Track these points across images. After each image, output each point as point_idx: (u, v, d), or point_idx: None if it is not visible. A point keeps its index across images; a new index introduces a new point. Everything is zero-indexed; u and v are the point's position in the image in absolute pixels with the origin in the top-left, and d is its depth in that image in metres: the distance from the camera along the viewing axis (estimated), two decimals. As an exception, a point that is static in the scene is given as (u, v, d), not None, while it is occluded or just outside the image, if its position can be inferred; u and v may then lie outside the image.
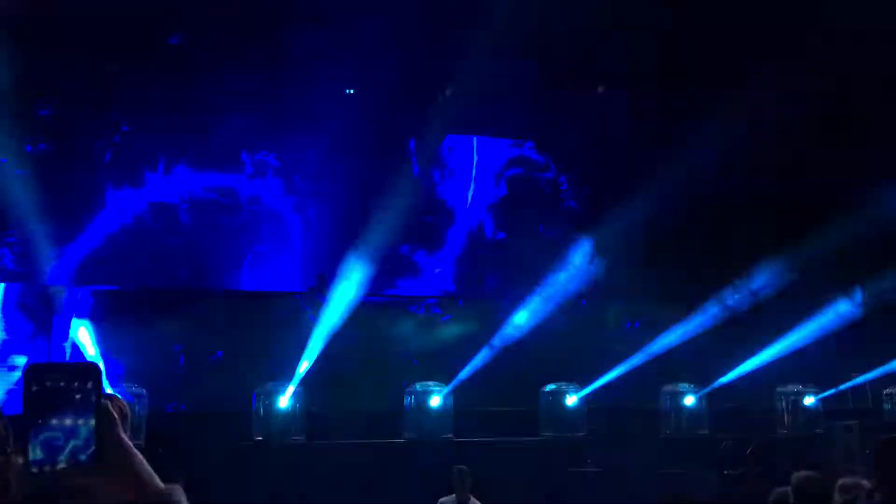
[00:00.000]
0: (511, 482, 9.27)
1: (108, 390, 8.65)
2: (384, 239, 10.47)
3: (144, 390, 9.22)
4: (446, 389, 10.42)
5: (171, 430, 9.01)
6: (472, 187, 12.18)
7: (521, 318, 10.90)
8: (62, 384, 1.33)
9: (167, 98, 10.73)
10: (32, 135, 10.56)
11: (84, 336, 9.81)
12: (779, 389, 11.07)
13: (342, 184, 11.44)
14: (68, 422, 1.33)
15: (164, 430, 8.86)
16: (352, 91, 10.93)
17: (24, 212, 10.07)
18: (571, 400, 10.75)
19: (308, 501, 8.85)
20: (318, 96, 11.01)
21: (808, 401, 10.97)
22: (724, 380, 10.79)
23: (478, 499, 8.16)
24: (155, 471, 1.59)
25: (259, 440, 9.76)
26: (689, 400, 10.95)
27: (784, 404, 11.03)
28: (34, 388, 1.32)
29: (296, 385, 9.99)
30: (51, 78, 10.42)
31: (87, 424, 1.33)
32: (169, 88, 10.63)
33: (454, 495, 8.10)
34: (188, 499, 1.70)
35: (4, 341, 9.99)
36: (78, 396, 1.34)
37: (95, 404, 1.33)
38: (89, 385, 1.34)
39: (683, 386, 11.05)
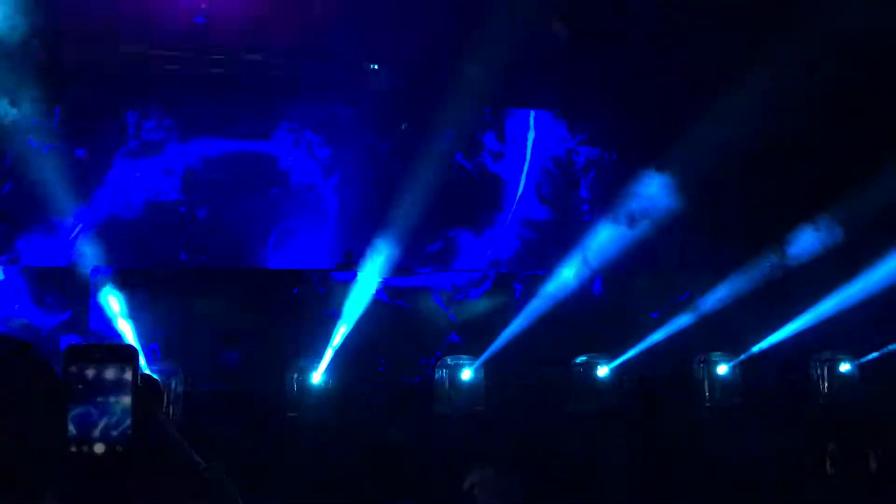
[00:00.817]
0: (542, 454, 9.30)
1: (144, 370, 8.78)
2: (417, 215, 10.43)
3: (179, 369, 9.33)
4: (477, 363, 10.44)
5: (206, 408, 9.13)
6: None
7: (553, 291, 10.84)
8: (100, 365, 1.36)
9: (193, 76, 10.71)
10: (61, 113, 10.61)
11: (117, 316, 9.93)
12: (814, 356, 10.92)
13: (372, 158, 11.40)
14: (105, 401, 1.35)
15: (200, 409, 8.99)
16: (376, 66, 10.84)
17: (52, 193, 10.16)
18: (602, 371, 10.72)
19: (341, 475, 8.95)
20: (347, 70, 10.91)
21: (845, 367, 10.82)
22: (758, 347, 10.67)
23: (510, 472, 8.19)
24: (195, 449, 1.60)
25: (293, 416, 9.85)
26: (723, 369, 10.86)
27: (819, 371, 10.88)
28: (73, 369, 1.35)
29: (328, 361, 10.06)
30: (77, 58, 10.43)
31: (123, 404, 1.35)
32: (195, 65, 10.60)
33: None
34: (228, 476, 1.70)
35: (40, 324, 10.14)
36: (115, 377, 1.36)
37: (132, 385, 1.36)
38: (126, 366, 1.37)
39: (717, 355, 10.95)
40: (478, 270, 11.54)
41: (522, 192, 12.13)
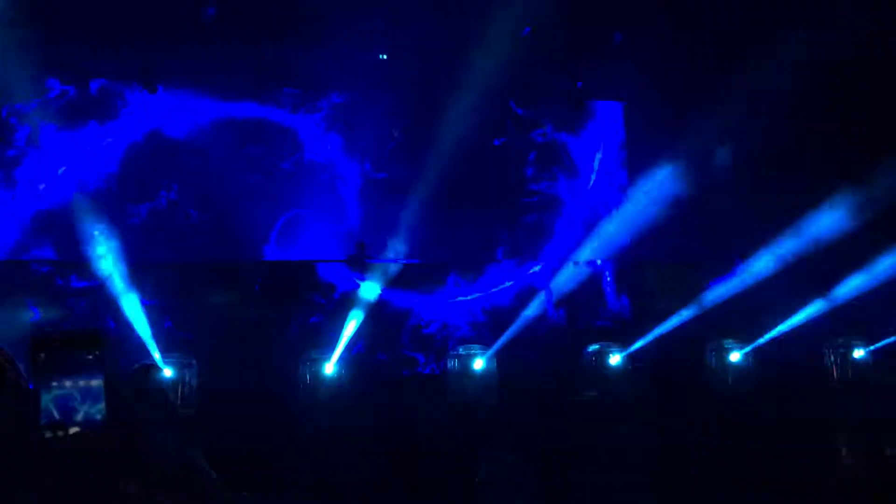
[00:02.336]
0: (556, 441, 9.31)
1: (158, 362, 8.82)
2: (431, 203, 10.39)
3: (194, 360, 9.33)
4: (489, 352, 10.45)
5: (221, 399, 9.14)
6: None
7: (564, 279, 10.85)
8: (67, 351, 1.38)
9: (200, 68, 10.64)
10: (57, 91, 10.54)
11: (132, 311, 9.94)
12: (827, 342, 10.87)
13: (386, 147, 11.33)
14: (75, 386, 1.37)
15: (213, 400, 9.01)
16: (385, 56, 10.77)
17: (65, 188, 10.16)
18: (615, 359, 10.71)
19: (356, 465, 8.97)
20: (354, 59, 10.81)
21: (858, 353, 10.77)
22: (771, 334, 10.63)
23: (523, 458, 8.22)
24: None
25: (306, 407, 9.88)
26: (736, 356, 10.83)
27: (833, 357, 10.83)
28: (42, 357, 1.37)
29: (341, 352, 10.09)
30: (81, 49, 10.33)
31: (94, 387, 1.38)
32: (203, 56, 10.51)
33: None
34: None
35: (57, 320, 10.15)
36: (83, 362, 1.38)
37: (101, 368, 1.38)
38: (94, 350, 1.39)
39: (729, 342, 10.93)
40: (488, 259, 11.45)
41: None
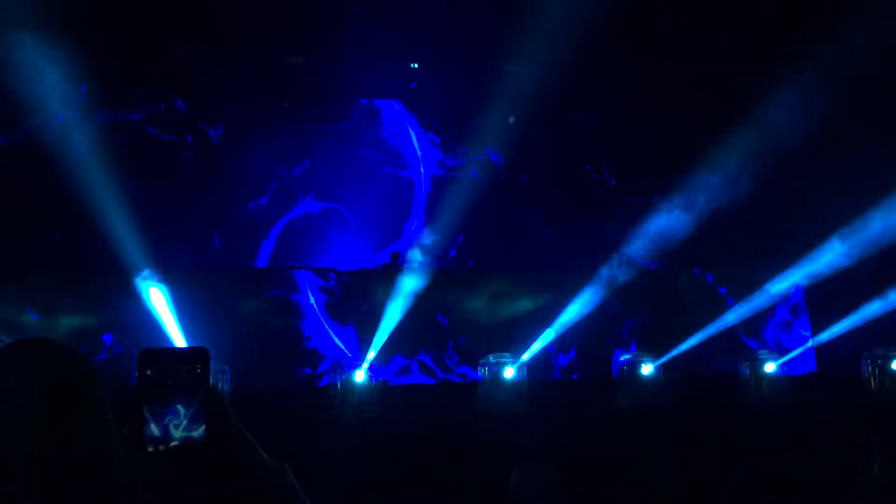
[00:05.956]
0: (586, 452, 9.24)
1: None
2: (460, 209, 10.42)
3: (227, 367, 9.37)
4: (520, 361, 10.40)
5: (253, 407, 9.17)
6: None
7: (594, 288, 10.78)
8: (174, 368, 1.39)
9: (218, 74, 10.72)
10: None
11: (166, 318, 10.02)
12: (865, 352, 10.67)
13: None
14: (180, 402, 1.38)
15: (246, 408, 9.05)
16: (416, 65, 10.81)
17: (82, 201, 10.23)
18: (647, 369, 10.61)
19: (385, 474, 8.96)
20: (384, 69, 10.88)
21: (896, 364, 10.57)
22: (806, 345, 10.49)
23: (553, 468, 8.16)
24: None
25: (336, 415, 9.89)
26: (770, 367, 10.69)
27: (871, 368, 10.63)
28: (148, 372, 1.38)
29: (371, 360, 10.11)
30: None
31: (197, 405, 1.39)
32: (220, 64, 10.59)
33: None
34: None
35: (93, 327, 10.23)
36: (188, 379, 1.39)
37: (205, 386, 1.39)
38: (198, 368, 1.40)
39: (763, 353, 10.80)
40: (521, 266, 11.39)
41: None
